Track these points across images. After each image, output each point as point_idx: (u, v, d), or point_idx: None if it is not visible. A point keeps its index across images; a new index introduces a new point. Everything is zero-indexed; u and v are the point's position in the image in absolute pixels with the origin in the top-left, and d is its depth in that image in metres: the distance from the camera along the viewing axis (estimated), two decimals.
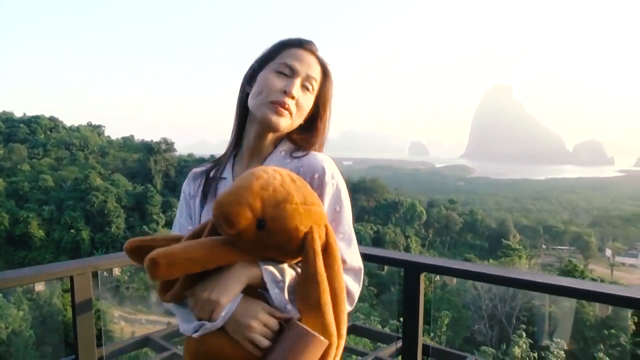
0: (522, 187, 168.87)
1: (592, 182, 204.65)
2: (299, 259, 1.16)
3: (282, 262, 1.18)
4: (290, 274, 1.17)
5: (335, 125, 1.50)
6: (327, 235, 1.17)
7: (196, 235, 1.22)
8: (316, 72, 1.38)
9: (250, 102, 1.39)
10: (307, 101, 1.38)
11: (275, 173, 1.15)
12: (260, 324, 1.12)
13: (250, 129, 1.43)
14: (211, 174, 1.48)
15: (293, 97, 1.34)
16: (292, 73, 1.35)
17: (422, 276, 2.70)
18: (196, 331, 1.15)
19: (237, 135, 1.48)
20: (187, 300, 1.20)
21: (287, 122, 1.36)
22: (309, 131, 1.44)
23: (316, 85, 1.39)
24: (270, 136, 1.41)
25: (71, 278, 2.45)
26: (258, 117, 1.37)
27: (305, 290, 1.13)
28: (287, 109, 1.34)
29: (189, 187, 1.53)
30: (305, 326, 1.10)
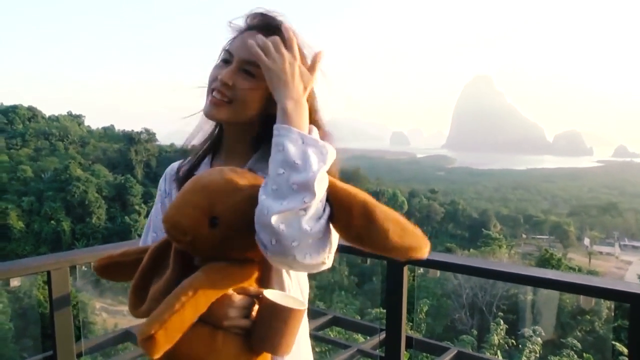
0: (502, 177, 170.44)
1: (571, 172, 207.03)
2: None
3: (251, 261, 1.15)
4: None
5: None
6: None
7: (158, 251, 1.19)
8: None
9: None
10: (248, 87, 1.23)
11: (213, 170, 1.15)
12: (235, 309, 1.10)
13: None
14: (185, 170, 1.39)
15: (226, 84, 1.22)
16: (231, 58, 1.25)
17: (405, 269, 2.69)
18: None
19: (216, 131, 1.39)
20: None
21: (224, 112, 1.25)
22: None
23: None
24: (241, 134, 1.33)
25: (48, 273, 2.41)
26: None
27: None
28: (221, 97, 1.23)
29: (165, 185, 1.46)
30: (274, 297, 1.08)
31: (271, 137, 1.22)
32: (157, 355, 0.99)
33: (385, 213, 1.06)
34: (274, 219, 0.98)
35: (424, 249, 1.08)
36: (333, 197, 1.04)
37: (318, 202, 1.01)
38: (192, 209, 1.05)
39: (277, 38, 1.15)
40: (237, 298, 1.10)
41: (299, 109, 1.10)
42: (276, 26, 1.23)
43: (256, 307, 1.12)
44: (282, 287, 1.24)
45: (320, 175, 1.01)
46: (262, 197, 1.02)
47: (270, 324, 1.08)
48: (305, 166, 1.02)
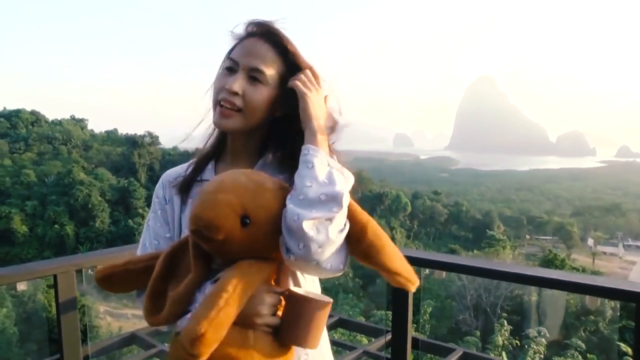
0: (505, 178, 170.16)
1: (574, 173, 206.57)
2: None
3: (273, 260, 1.15)
4: None
5: None
6: None
7: (172, 257, 1.19)
8: (264, 61, 1.24)
9: None
10: (257, 94, 1.24)
11: (236, 171, 1.15)
12: (267, 306, 1.11)
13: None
14: (188, 175, 1.38)
15: (235, 93, 1.23)
16: (237, 66, 1.25)
17: None
18: None
19: (219, 137, 1.39)
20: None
21: (236, 121, 1.25)
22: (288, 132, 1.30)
23: (269, 75, 1.25)
24: (247, 140, 1.33)
25: (55, 277, 2.41)
26: None
27: None
28: (231, 107, 1.24)
29: (163, 191, 1.45)
30: (302, 293, 1.12)
31: (276, 142, 1.33)
32: (206, 356, 0.97)
33: (390, 242, 1.15)
34: (305, 225, 1.04)
35: (415, 284, 1.19)
36: (350, 215, 1.12)
37: (343, 215, 1.09)
38: (226, 208, 1.04)
39: (309, 72, 1.26)
40: (268, 295, 1.12)
41: (325, 137, 1.20)
42: (275, 33, 1.26)
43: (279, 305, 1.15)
44: (299, 287, 1.28)
45: (347, 193, 1.12)
46: (289, 205, 1.08)
47: (300, 318, 1.10)
48: (331, 184, 1.11)
